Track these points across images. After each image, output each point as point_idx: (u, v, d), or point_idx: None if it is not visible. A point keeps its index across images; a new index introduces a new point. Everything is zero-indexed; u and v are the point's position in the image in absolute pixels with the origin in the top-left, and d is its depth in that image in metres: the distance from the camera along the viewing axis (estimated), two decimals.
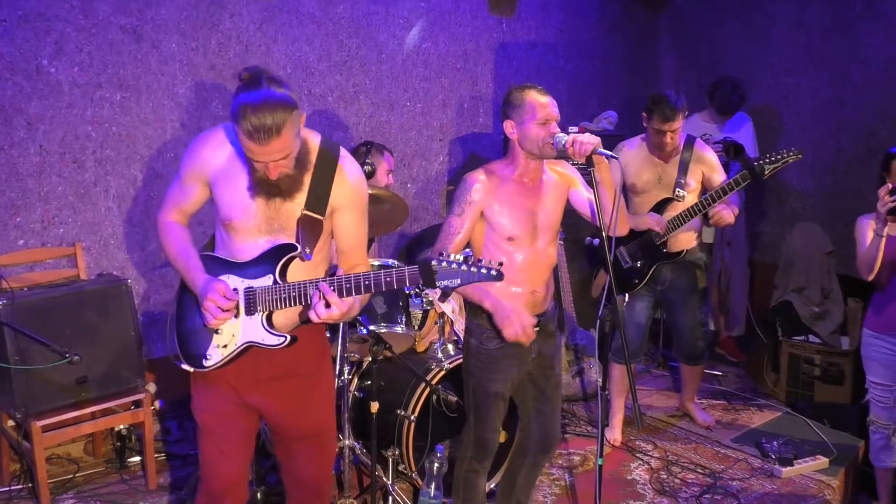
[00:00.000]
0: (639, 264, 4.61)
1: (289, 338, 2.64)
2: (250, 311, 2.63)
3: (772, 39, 6.55)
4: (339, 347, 3.88)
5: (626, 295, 4.63)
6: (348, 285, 2.49)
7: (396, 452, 3.90)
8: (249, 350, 2.67)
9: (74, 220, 4.55)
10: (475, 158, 6.19)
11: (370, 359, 3.83)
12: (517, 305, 3.13)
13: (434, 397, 3.89)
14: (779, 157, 4.27)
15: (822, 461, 4.57)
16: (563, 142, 3.03)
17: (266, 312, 2.62)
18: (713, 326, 6.44)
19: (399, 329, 4.06)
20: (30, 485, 4.11)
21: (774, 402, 5.57)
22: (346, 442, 3.95)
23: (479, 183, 3.16)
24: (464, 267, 2.39)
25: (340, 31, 5.42)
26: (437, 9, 5.90)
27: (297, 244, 2.61)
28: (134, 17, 4.59)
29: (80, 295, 4.05)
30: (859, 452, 4.73)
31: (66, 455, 4.52)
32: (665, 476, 4.49)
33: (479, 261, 2.45)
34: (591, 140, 2.98)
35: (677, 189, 4.46)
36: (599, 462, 3.13)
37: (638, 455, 4.73)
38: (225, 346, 2.66)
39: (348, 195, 2.68)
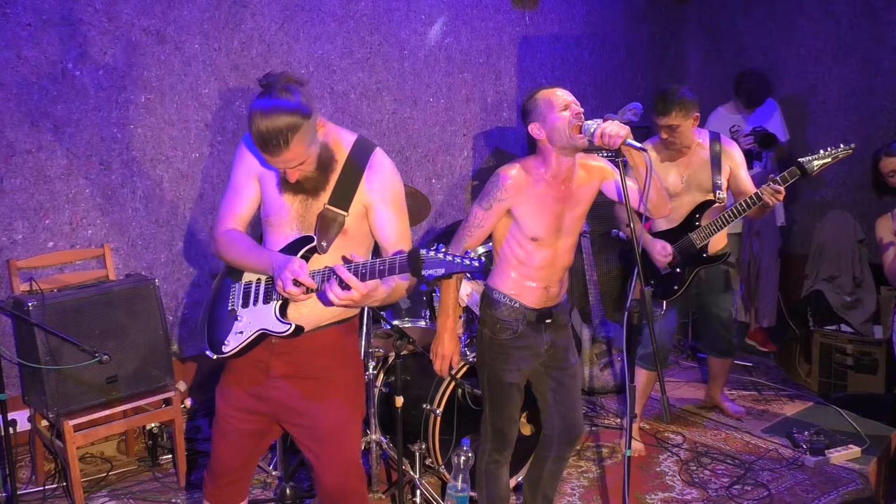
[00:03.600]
0: (678, 270, 4.47)
1: (293, 326, 2.64)
2: (267, 299, 2.67)
3: (799, 28, 6.48)
4: (364, 343, 3.90)
5: (665, 303, 4.53)
6: (363, 271, 2.48)
7: (423, 447, 3.91)
8: (263, 340, 2.69)
9: (102, 222, 4.61)
10: (500, 153, 6.19)
11: (395, 354, 3.84)
12: (454, 345, 3.30)
13: (459, 391, 3.89)
14: (828, 152, 4.07)
15: (855, 450, 4.52)
16: (593, 130, 2.98)
17: (280, 302, 2.65)
18: (744, 318, 6.39)
19: (423, 323, 4.07)
20: (64, 484, 4.16)
21: (805, 392, 5.52)
22: (373, 437, 3.98)
23: (511, 179, 3.13)
24: (448, 257, 2.40)
25: (362, 28, 5.44)
26: (459, 4, 5.90)
27: (314, 236, 2.63)
28: (157, 19, 4.64)
29: (109, 295, 4.09)
30: (893, 442, 4.67)
31: (100, 454, 4.58)
32: (694, 467, 4.46)
33: (467, 253, 2.51)
34: (619, 131, 2.92)
35: (717, 191, 4.32)
36: (628, 453, 3.10)
37: (667, 446, 4.71)
38: (241, 333, 2.69)
39: (379, 192, 2.68)
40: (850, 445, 4.54)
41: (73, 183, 4.49)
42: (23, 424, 4.14)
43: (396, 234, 2.74)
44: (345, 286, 2.44)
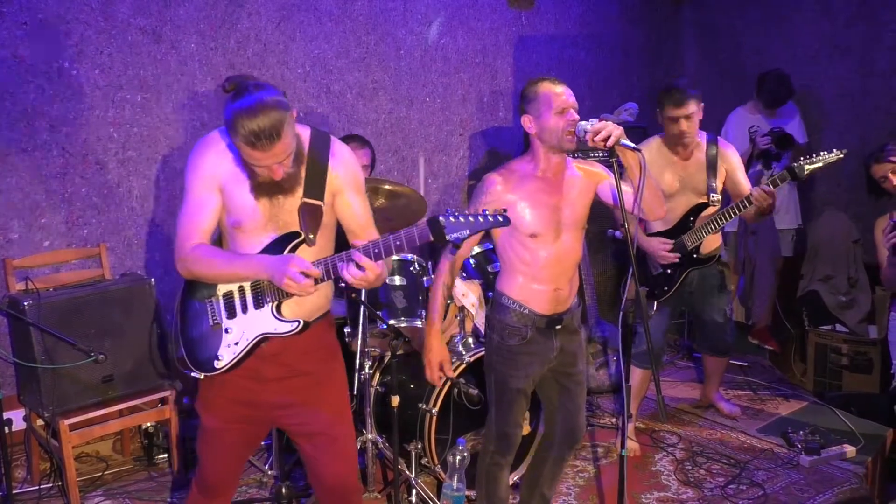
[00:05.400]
0: (669, 271, 4.47)
1: (301, 322, 2.66)
2: (259, 304, 2.66)
3: (795, 28, 6.49)
4: (360, 343, 3.90)
5: (655, 304, 4.54)
6: (376, 251, 2.52)
7: (419, 446, 3.91)
8: (259, 348, 2.69)
9: (98, 221, 4.61)
10: (495, 153, 6.19)
11: (391, 353, 3.84)
12: (440, 352, 3.28)
13: (455, 391, 3.90)
14: (820, 157, 4.07)
15: (850, 450, 4.52)
16: (586, 130, 2.99)
17: (275, 303, 2.65)
18: (741, 317, 6.39)
19: (419, 323, 4.07)
20: (59, 483, 4.16)
21: (801, 392, 5.53)
22: (369, 436, 3.98)
23: (497, 184, 3.13)
24: (471, 218, 2.44)
25: (358, 27, 5.44)
26: (456, 3, 5.90)
27: (301, 231, 2.63)
28: (153, 18, 4.63)
29: (105, 295, 4.08)
30: (887, 441, 4.69)
31: (96, 453, 4.57)
32: (690, 466, 4.46)
33: (485, 210, 2.52)
34: (613, 131, 2.92)
35: (711, 194, 4.34)
36: (623, 453, 3.10)
37: (662, 446, 4.71)
38: (236, 344, 2.67)
39: (345, 178, 2.72)
40: (844, 445, 4.55)
41: (69, 182, 4.49)
42: (18, 424, 4.15)
43: (366, 217, 2.79)
44: (359, 267, 2.48)
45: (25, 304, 3.79)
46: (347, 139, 4.83)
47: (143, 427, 4.47)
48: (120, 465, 4.49)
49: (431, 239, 2.48)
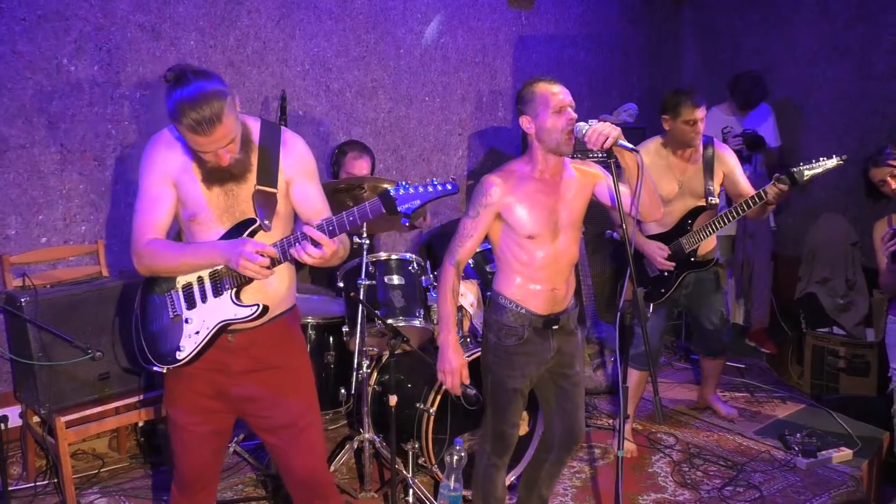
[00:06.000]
0: (666, 273, 4.46)
1: (260, 306, 2.67)
2: (217, 292, 2.68)
3: (795, 29, 6.49)
4: (358, 342, 3.90)
5: (651, 306, 4.53)
6: (331, 228, 2.55)
7: (416, 446, 3.91)
8: (224, 339, 2.71)
9: (96, 218, 4.60)
10: (494, 153, 6.19)
11: (388, 353, 3.84)
12: (459, 358, 3.20)
13: None
14: (820, 163, 4.04)
15: (846, 453, 4.52)
16: (584, 131, 2.99)
17: (234, 289, 2.67)
18: (737, 319, 6.39)
19: (417, 323, 4.07)
20: (55, 480, 4.15)
21: (798, 394, 5.53)
22: (366, 436, 3.97)
23: (495, 186, 3.12)
24: (420, 188, 2.49)
25: (358, 26, 5.44)
26: (455, 3, 5.90)
27: (256, 217, 2.65)
28: (152, 15, 4.63)
29: (102, 292, 4.07)
30: (884, 444, 4.69)
31: (92, 451, 4.56)
32: (687, 468, 4.46)
33: (433, 180, 2.57)
34: (611, 132, 2.94)
35: (710, 198, 4.34)
36: (619, 454, 3.10)
37: (659, 447, 4.71)
38: (197, 333, 2.69)
39: (298, 166, 2.75)
40: (841, 448, 4.55)
41: (67, 179, 4.48)
42: (14, 420, 4.13)
43: (321, 203, 2.82)
44: (315, 244, 2.51)
45: (22, 300, 3.78)
46: (348, 145, 4.84)
47: (140, 425, 4.46)
48: (116, 462, 4.48)
49: (384, 211, 2.52)
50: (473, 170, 6.13)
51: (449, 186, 2.56)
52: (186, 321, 2.70)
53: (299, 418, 2.86)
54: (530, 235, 3.14)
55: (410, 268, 4.21)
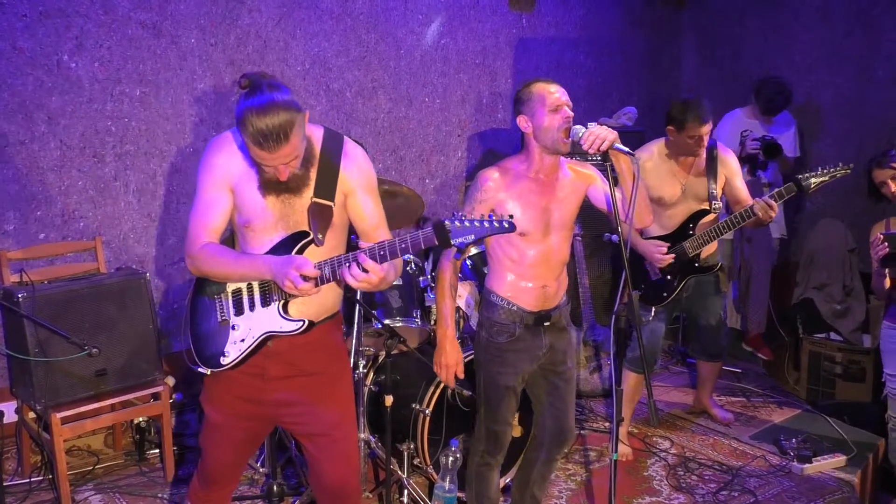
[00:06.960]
0: (668, 277, 4.45)
1: (306, 322, 2.66)
2: (266, 302, 2.67)
3: (795, 35, 6.49)
4: (354, 341, 3.90)
5: (653, 309, 4.53)
6: (381, 253, 2.51)
7: (411, 446, 3.91)
8: (265, 345, 2.70)
9: (94, 215, 4.60)
10: (493, 154, 6.19)
11: (385, 353, 3.84)
12: (456, 353, 3.26)
13: (449, 392, 3.89)
14: (826, 171, 4.04)
15: (841, 459, 4.52)
16: (581, 134, 3.01)
17: (282, 301, 2.66)
18: (735, 323, 6.39)
19: (415, 323, 4.07)
20: (50, 476, 4.15)
21: (794, 400, 5.53)
22: (362, 436, 3.97)
23: (491, 181, 3.15)
24: (476, 223, 2.44)
25: (359, 26, 5.44)
26: (456, 4, 5.90)
27: (309, 230, 2.63)
28: (154, 13, 4.63)
29: (100, 288, 4.08)
30: (879, 450, 4.69)
31: (87, 447, 4.57)
32: (682, 472, 4.46)
33: (491, 215, 2.49)
34: (607, 135, 2.96)
35: (714, 202, 4.33)
36: (614, 457, 3.10)
37: (655, 451, 4.71)
38: (242, 341, 2.69)
39: (357, 178, 2.71)
40: (836, 454, 4.55)
41: (66, 175, 4.48)
42: (10, 416, 4.13)
43: (378, 218, 2.79)
44: (363, 269, 2.47)
45: (20, 296, 3.79)
46: None
47: (135, 422, 4.47)
48: (111, 459, 4.48)
49: (436, 243, 2.48)
50: (472, 171, 6.13)
51: (506, 224, 2.49)
52: (233, 327, 2.71)
53: (335, 428, 2.83)
54: (522, 233, 3.16)
55: (408, 268, 4.21)
